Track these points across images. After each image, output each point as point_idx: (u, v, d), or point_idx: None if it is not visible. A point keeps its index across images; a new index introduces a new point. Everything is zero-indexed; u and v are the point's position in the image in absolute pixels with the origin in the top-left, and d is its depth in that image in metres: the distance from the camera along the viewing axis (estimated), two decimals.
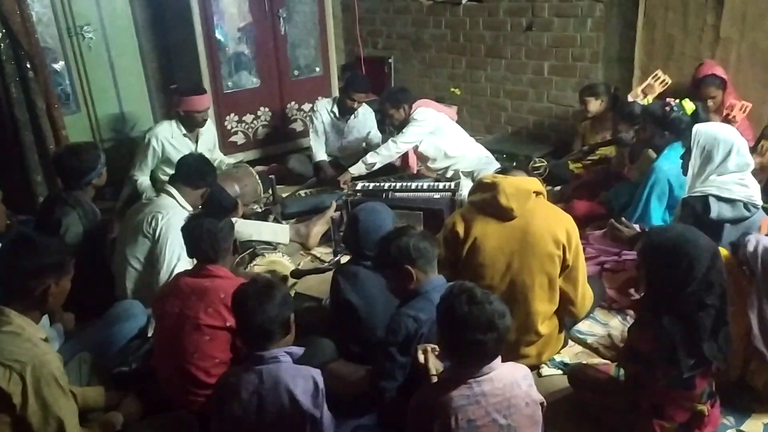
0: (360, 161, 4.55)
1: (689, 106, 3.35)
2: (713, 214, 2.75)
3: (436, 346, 2.04)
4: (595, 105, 4.51)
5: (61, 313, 2.75)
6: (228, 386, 2.00)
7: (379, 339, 2.33)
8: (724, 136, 2.83)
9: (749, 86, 4.14)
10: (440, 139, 4.48)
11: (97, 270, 3.10)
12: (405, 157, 4.74)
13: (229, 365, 2.35)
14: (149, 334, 2.81)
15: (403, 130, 4.46)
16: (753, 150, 3.42)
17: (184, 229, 2.51)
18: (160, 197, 3.10)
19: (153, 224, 2.93)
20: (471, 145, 4.58)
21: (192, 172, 3.16)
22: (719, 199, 2.77)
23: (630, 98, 4.24)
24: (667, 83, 4.17)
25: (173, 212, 2.96)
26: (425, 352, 2.05)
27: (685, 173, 2.94)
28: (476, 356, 1.83)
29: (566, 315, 2.72)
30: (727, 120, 3.84)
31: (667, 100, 3.46)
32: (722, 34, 4.22)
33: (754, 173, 2.98)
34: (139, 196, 4.16)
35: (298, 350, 2.03)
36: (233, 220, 3.64)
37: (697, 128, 2.90)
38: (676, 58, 4.37)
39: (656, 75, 4.21)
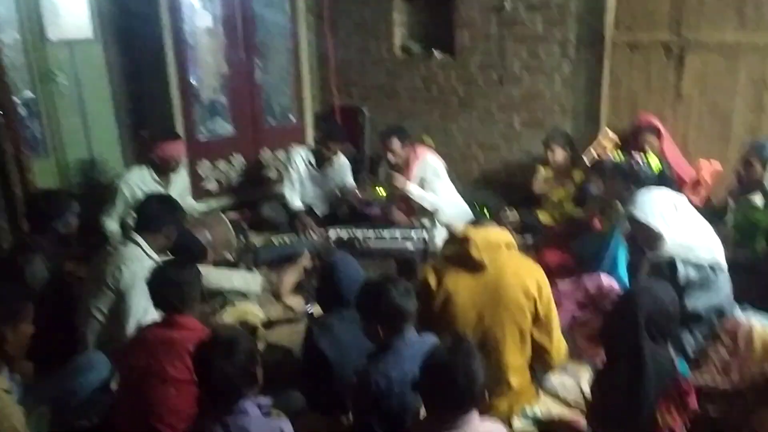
0: (424, 194, 4.48)
1: (655, 162, 3.47)
2: (681, 278, 2.77)
3: None
4: (560, 154, 4.63)
5: (19, 361, 2.65)
6: None
7: (350, 394, 2.30)
8: (656, 201, 2.87)
9: (710, 143, 4.29)
10: (438, 185, 4.54)
11: (60, 318, 3.01)
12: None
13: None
14: (112, 387, 2.72)
15: (433, 188, 4.47)
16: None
17: (149, 280, 2.46)
18: (126, 246, 3.03)
19: (117, 276, 2.87)
20: (455, 196, 4.64)
21: (153, 217, 3.11)
22: (686, 263, 2.80)
23: (585, 159, 4.43)
24: (615, 140, 4.36)
25: (138, 264, 2.90)
26: None
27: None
28: (458, 404, 1.88)
29: (542, 365, 2.72)
30: (697, 183, 4.00)
31: (635, 155, 3.58)
32: (683, 92, 4.39)
33: None
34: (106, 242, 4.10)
35: (266, 401, 1.99)
36: (203, 268, 3.62)
37: (631, 214, 2.88)
38: (639, 114, 4.51)
39: (605, 133, 4.42)
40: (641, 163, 3.43)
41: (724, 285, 2.87)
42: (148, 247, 3.02)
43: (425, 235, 4.00)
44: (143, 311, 2.80)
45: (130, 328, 2.80)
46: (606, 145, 4.33)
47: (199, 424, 1.98)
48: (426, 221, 4.46)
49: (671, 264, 2.79)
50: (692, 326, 2.80)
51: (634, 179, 3.44)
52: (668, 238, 2.79)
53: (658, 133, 4.23)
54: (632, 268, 3.18)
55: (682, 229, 2.82)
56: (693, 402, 2.18)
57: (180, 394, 2.27)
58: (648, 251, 2.93)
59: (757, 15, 4.02)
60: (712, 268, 2.82)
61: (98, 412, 2.65)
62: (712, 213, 3.84)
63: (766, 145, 3.57)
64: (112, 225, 4.20)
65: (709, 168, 3.98)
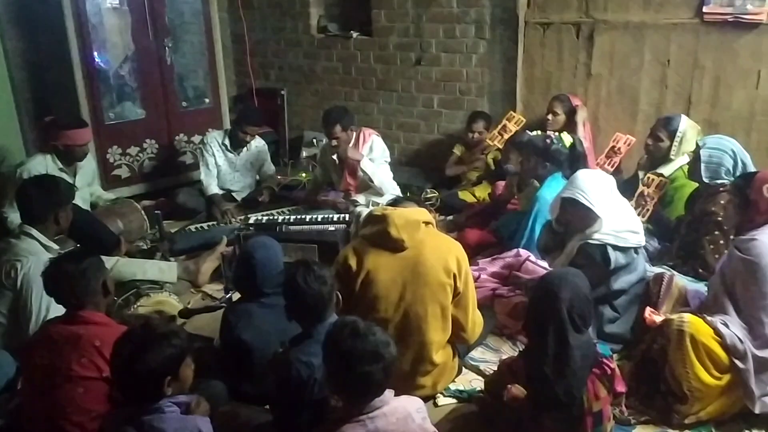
0: (375, 171, 4.39)
1: (567, 139, 3.57)
2: (612, 264, 2.86)
3: None
4: (482, 135, 4.73)
5: None
6: None
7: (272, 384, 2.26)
8: (598, 184, 2.92)
9: (619, 119, 4.46)
10: (383, 168, 4.51)
11: None
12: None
13: None
14: (18, 387, 2.57)
15: (383, 171, 4.43)
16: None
17: (43, 276, 2.32)
18: (20, 240, 2.83)
19: (12, 274, 2.69)
20: (393, 182, 4.62)
21: (34, 205, 2.89)
22: (615, 248, 2.89)
23: (488, 140, 4.58)
24: (522, 122, 4.49)
25: (34, 259, 2.71)
26: None
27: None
28: (365, 389, 1.83)
29: (458, 341, 2.75)
30: (612, 152, 4.17)
31: (548, 133, 3.67)
32: (593, 71, 4.55)
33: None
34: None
35: (186, 399, 1.91)
36: (115, 258, 3.47)
37: (573, 197, 2.89)
38: (553, 92, 4.63)
39: (510, 115, 4.55)
40: (554, 140, 3.52)
41: (642, 260, 3.02)
42: (44, 237, 2.84)
43: (348, 217, 3.96)
44: (45, 308, 2.64)
45: (33, 327, 2.63)
46: (511, 128, 4.43)
47: (110, 423, 1.89)
48: (361, 199, 4.42)
49: (603, 251, 2.87)
50: (612, 301, 2.93)
51: (548, 156, 3.52)
52: (605, 222, 2.85)
53: (568, 103, 4.42)
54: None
55: (615, 215, 2.89)
56: (621, 386, 2.26)
57: (88, 391, 2.16)
58: (576, 233, 2.94)
59: None
60: (635, 250, 2.94)
61: (4, 414, 2.49)
62: (625, 185, 4.04)
63: (674, 119, 3.74)
64: (14, 216, 3.93)
65: (624, 139, 4.17)
